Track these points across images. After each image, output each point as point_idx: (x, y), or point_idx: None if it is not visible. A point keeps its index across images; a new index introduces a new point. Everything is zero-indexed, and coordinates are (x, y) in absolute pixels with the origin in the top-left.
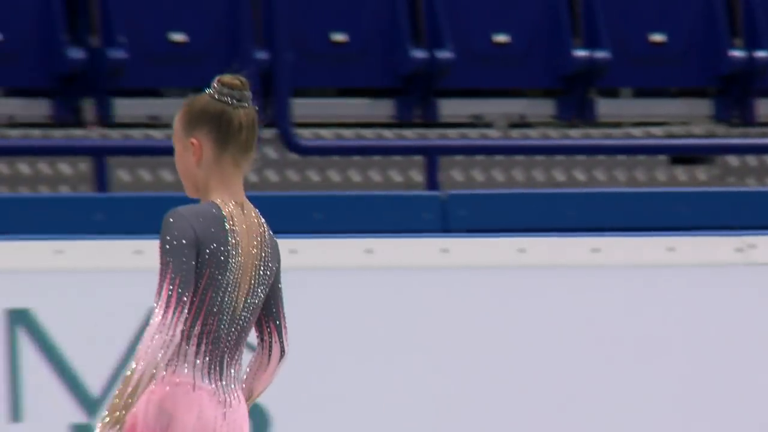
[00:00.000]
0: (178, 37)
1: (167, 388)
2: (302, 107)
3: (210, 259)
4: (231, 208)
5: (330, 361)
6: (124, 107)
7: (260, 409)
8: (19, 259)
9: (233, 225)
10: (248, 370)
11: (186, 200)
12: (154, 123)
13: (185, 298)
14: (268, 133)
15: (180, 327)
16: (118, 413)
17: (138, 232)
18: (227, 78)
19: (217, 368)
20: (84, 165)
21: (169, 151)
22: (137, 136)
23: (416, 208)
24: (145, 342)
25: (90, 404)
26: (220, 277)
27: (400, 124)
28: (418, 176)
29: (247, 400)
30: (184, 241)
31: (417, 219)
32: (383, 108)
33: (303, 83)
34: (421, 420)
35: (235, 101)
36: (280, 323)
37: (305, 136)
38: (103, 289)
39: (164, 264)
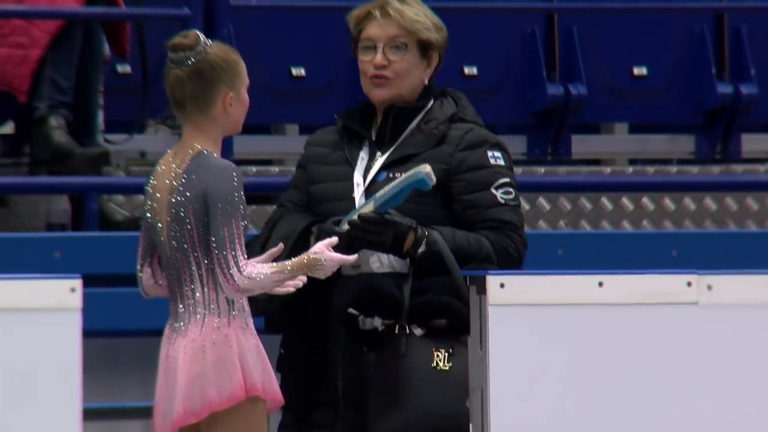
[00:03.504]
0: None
1: None
2: None
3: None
4: (165, 158)
5: None
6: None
7: None
8: None
9: (155, 173)
10: None
11: None
12: None
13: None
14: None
15: (144, 274)
16: None
17: None
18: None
19: (173, 307)
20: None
21: None
22: None
23: None
24: None
25: None
26: (151, 223)
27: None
28: None
29: None
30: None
31: None
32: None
33: None
34: None
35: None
36: (215, 260)
37: None
38: None
39: None
